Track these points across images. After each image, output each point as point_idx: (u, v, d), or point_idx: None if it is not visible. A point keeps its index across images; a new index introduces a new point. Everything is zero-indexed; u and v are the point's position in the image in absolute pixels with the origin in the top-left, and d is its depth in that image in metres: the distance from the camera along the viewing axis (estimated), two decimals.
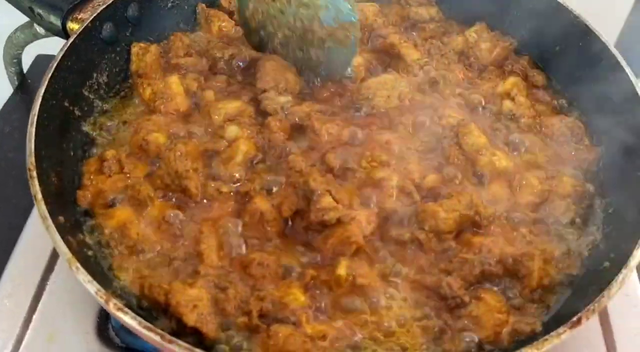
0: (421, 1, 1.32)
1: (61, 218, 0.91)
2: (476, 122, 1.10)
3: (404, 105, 1.13)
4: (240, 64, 1.19)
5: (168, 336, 0.74)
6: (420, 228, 0.96)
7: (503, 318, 0.86)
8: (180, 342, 0.73)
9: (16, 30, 1.39)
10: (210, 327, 0.84)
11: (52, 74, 1.03)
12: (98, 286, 0.78)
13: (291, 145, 1.05)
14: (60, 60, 1.05)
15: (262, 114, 1.11)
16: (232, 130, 1.07)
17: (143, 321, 0.75)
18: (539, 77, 1.21)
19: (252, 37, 1.18)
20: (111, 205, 0.98)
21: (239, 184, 1.01)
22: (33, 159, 0.91)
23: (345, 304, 0.89)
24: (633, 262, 0.81)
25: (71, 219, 0.95)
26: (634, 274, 1.07)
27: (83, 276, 0.79)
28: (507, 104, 1.14)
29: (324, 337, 0.85)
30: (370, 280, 0.90)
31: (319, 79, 1.16)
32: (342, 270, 0.89)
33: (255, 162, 1.04)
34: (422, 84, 1.16)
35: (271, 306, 0.87)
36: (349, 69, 1.15)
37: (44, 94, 0.99)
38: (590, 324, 0.96)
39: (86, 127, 1.10)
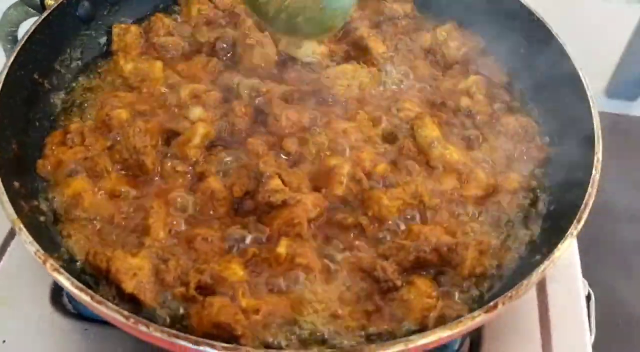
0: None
1: (16, 183, 0.94)
2: (433, 117, 1.12)
3: (364, 96, 1.15)
4: (224, 45, 1.21)
5: (97, 297, 0.76)
6: (364, 214, 0.99)
7: (432, 303, 0.88)
8: (108, 303, 0.76)
9: (9, 7, 1.41)
10: (148, 296, 0.87)
11: (22, 46, 1.06)
12: (37, 247, 0.81)
13: (252, 130, 1.08)
14: (31, 33, 1.09)
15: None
16: (195, 111, 1.09)
17: (75, 281, 0.78)
18: (501, 77, 1.23)
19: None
20: (69, 175, 1.01)
21: (195, 164, 1.03)
22: None
23: (283, 282, 0.91)
24: (557, 254, 0.83)
25: (28, 186, 0.98)
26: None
27: (25, 237, 0.82)
28: (465, 100, 1.15)
29: (257, 311, 0.87)
30: (309, 260, 0.92)
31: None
32: (282, 248, 0.91)
33: (214, 144, 1.06)
34: (384, 76, 1.18)
35: (209, 278, 0.89)
36: (310, 57, 1.16)
37: (11, 65, 1.03)
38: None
39: (55, 100, 1.13)
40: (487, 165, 1.08)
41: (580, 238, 0.95)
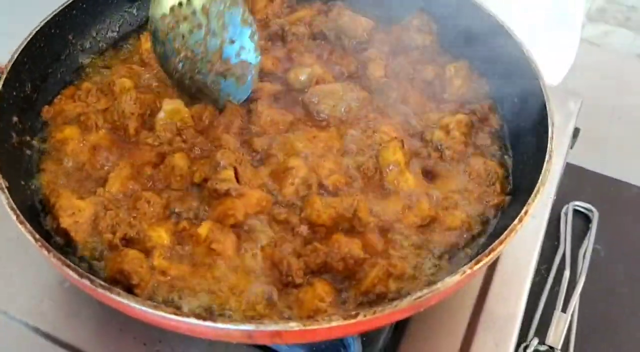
0: (421, 27, 1.35)
1: (15, 118, 1.08)
2: (401, 142, 1.13)
3: (348, 117, 1.18)
4: None
5: (21, 217, 0.87)
6: (297, 214, 1.02)
7: (322, 307, 0.90)
8: (27, 225, 0.86)
9: None
10: (79, 235, 0.97)
11: (62, 9, 1.21)
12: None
13: (231, 124, 1.15)
14: (75, 1, 1.23)
15: None
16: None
17: (11, 200, 0.89)
18: (492, 122, 1.21)
19: (156, 47, 1.13)
20: (64, 123, 1.14)
21: (164, 142, 1.11)
22: (10, 63, 1.09)
23: (197, 259, 0.96)
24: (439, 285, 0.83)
25: (27, 123, 1.11)
26: None
27: None
28: (438, 134, 1.15)
29: (164, 273, 0.94)
30: (225, 248, 0.96)
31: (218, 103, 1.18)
32: (203, 230, 0.97)
33: (190, 128, 1.13)
34: (374, 100, 1.21)
35: (136, 234, 0.98)
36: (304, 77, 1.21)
37: (46, 23, 1.17)
38: None
39: (83, 61, 1.27)
40: (437, 198, 1.08)
41: None
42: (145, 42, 1.26)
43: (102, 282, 0.81)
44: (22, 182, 1.03)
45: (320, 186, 1.07)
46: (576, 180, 1.63)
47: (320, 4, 1.41)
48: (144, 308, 0.79)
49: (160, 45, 1.12)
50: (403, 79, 1.25)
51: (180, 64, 1.13)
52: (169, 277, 0.94)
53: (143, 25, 1.34)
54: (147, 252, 0.95)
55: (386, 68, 1.26)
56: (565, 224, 1.53)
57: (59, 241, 0.97)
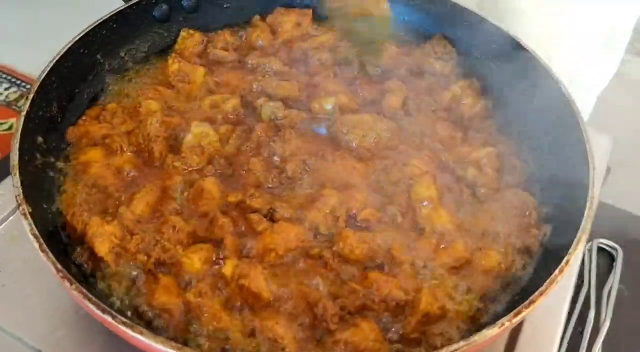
0: (442, 56, 1.30)
1: (40, 138, 1.03)
2: (434, 177, 1.08)
3: (378, 148, 1.12)
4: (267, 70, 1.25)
5: (44, 246, 0.81)
6: (329, 247, 0.97)
7: (376, 346, 0.85)
8: (50, 254, 0.80)
9: None
10: (114, 261, 0.92)
11: (92, 28, 1.16)
12: (20, 191, 0.87)
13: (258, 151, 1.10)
14: (106, 19, 1.19)
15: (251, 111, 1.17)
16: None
17: (34, 227, 0.83)
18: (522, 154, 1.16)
19: None
20: (89, 144, 1.08)
21: (191, 168, 1.05)
22: (38, 83, 1.04)
23: (228, 300, 0.90)
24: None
25: (52, 144, 1.05)
26: None
27: (16, 180, 0.89)
28: (472, 171, 1.09)
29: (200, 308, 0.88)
30: (257, 285, 0.90)
31: None
32: (227, 269, 0.91)
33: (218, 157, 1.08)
34: (401, 130, 1.16)
35: (168, 259, 0.92)
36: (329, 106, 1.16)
37: (76, 42, 1.12)
38: None
39: (109, 81, 1.21)
40: (471, 236, 1.01)
41: None
42: (172, 64, 1.21)
43: (124, 319, 0.75)
44: (44, 205, 0.97)
45: (351, 218, 1.01)
46: (600, 216, 1.56)
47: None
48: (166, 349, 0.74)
49: None
50: (425, 110, 1.19)
51: None
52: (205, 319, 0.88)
53: (171, 46, 1.28)
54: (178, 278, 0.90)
55: (405, 99, 1.20)
56: (590, 262, 1.46)
57: (76, 269, 0.91)
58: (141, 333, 0.73)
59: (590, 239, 1.49)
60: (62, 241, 0.95)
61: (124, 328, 0.74)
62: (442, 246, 0.99)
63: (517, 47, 1.20)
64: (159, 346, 0.73)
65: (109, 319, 0.75)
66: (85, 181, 1.03)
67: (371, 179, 1.07)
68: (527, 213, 1.05)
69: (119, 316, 0.75)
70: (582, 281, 1.44)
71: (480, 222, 1.04)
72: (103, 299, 0.86)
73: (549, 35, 1.54)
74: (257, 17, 1.36)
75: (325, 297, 0.90)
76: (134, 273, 0.91)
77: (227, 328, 0.87)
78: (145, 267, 0.91)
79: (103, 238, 0.92)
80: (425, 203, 1.03)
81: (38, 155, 1.01)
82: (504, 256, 0.99)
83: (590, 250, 1.49)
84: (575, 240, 0.88)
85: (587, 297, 1.39)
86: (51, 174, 1.03)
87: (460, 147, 1.15)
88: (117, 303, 0.89)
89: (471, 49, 1.30)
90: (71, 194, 1.01)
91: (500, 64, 1.25)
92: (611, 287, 1.40)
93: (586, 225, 0.90)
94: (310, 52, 1.27)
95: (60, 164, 1.05)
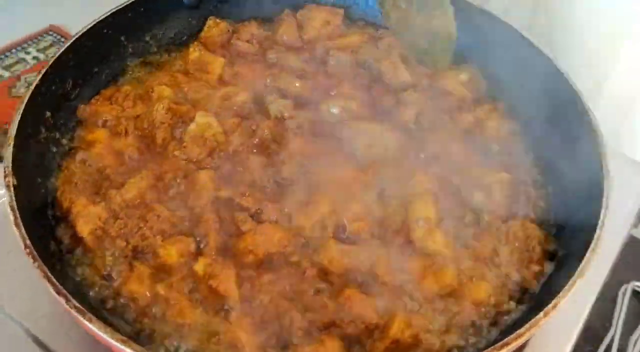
0: (469, 83, 1.22)
1: (48, 113, 1.04)
2: (437, 197, 1.01)
3: (384, 159, 1.07)
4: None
5: (17, 215, 0.82)
6: (309, 257, 0.93)
7: None
8: (19, 222, 0.81)
9: None
10: (94, 243, 0.92)
11: (117, 11, 1.17)
12: (9, 163, 0.88)
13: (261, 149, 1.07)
14: (133, 3, 1.19)
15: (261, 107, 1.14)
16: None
17: (13, 199, 0.84)
18: (538, 183, 1.07)
19: None
20: (96, 125, 1.09)
21: (190, 159, 1.04)
22: (53, 59, 1.05)
23: (196, 296, 0.88)
24: None
25: (59, 120, 1.07)
26: None
27: (8, 152, 0.90)
28: (479, 195, 1.02)
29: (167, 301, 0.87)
30: (226, 287, 0.88)
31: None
32: (199, 267, 0.89)
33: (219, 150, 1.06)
34: (413, 147, 1.09)
35: (146, 248, 0.92)
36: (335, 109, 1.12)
37: (99, 23, 1.13)
38: None
39: (131, 63, 1.22)
40: (466, 264, 0.94)
41: None
42: (193, 52, 1.20)
43: (77, 304, 0.74)
44: (39, 180, 0.98)
45: (341, 229, 0.97)
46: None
47: (373, 31, 1.30)
48: None
49: None
50: (441, 127, 1.12)
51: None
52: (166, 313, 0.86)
53: (196, 34, 1.27)
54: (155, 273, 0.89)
55: (420, 113, 1.13)
56: (621, 306, 1.36)
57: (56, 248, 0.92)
58: (90, 321, 0.72)
59: (626, 281, 1.40)
60: (48, 217, 0.95)
61: (75, 313, 0.73)
62: (432, 270, 0.93)
63: (554, 71, 1.11)
64: (105, 336, 0.71)
65: (62, 301, 0.74)
66: (85, 160, 1.03)
67: (370, 190, 1.02)
68: (531, 247, 0.97)
69: (73, 300, 0.74)
70: (610, 325, 1.35)
71: (479, 250, 0.97)
72: (72, 281, 0.86)
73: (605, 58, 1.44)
74: (287, 10, 1.33)
75: (295, 309, 0.86)
76: (111, 258, 0.90)
77: (190, 327, 0.85)
78: (123, 253, 0.90)
79: (87, 219, 0.92)
80: (421, 222, 0.97)
81: (43, 130, 1.03)
82: (496, 290, 0.92)
83: (624, 293, 1.39)
84: (569, 284, 0.80)
85: (611, 344, 1.30)
86: (54, 149, 1.05)
87: (473, 169, 1.08)
88: (91, 288, 0.89)
89: (502, 71, 1.21)
90: (69, 171, 1.02)
91: (534, 90, 1.15)
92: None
93: (584, 270, 0.81)
94: (332, 52, 1.22)
95: (64, 141, 1.07)
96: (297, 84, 1.15)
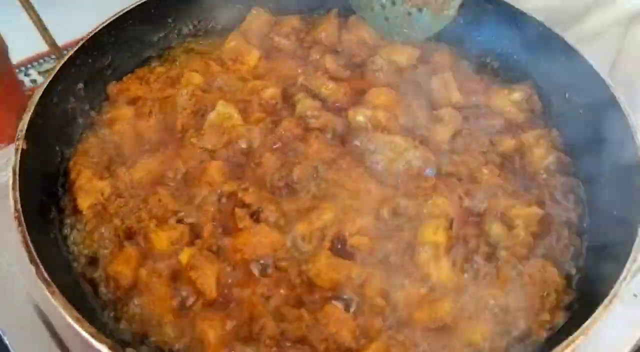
0: (522, 104, 1.13)
1: (81, 84, 1.07)
2: (453, 223, 0.94)
3: (404, 175, 1.00)
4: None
5: (17, 178, 0.84)
6: (298, 265, 0.88)
7: None
8: (17, 186, 0.83)
9: None
10: (92, 216, 0.93)
11: None
12: (24, 127, 0.91)
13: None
14: None
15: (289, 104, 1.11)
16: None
17: (18, 163, 0.86)
18: (574, 224, 0.97)
19: None
20: (124, 102, 1.10)
21: (205, 147, 1.02)
22: (91, 34, 1.08)
23: (175, 288, 0.87)
24: None
25: (91, 93, 1.09)
26: None
27: (26, 116, 0.92)
28: (497, 228, 0.93)
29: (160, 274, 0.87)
30: (206, 281, 0.86)
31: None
32: (183, 257, 0.88)
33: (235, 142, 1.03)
34: (438, 164, 1.01)
35: (141, 231, 0.91)
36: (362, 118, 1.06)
37: (150, 2, 1.15)
38: None
39: (174, 44, 1.23)
40: (467, 301, 0.86)
41: None
42: (230, 41, 1.18)
43: (46, 275, 0.75)
44: (57, 148, 1.01)
45: (340, 241, 0.92)
46: None
47: (424, 44, 1.20)
48: None
49: None
50: (475, 150, 1.03)
51: None
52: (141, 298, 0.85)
53: (240, 24, 1.25)
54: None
55: (456, 133, 1.06)
56: None
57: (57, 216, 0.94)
58: (52, 293, 0.72)
59: None
60: (57, 186, 0.97)
61: (40, 283, 0.73)
62: (428, 299, 0.86)
63: (624, 125, 0.99)
64: (63, 312, 0.71)
65: (33, 269, 0.75)
66: (106, 135, 1.05)
67: (382, 206, 0.96)
68: (545, 294, 0.87)
69: (43, 270, 0.75)
70: None
71: (486, 288, 0.88)
72: (59, 251, 0.87)
73: None
74: (335, 10, 1.28)
75: (270, 315, 0.82)
76: (103, 235, 0.91)
77: (162, 315, 0.83)
78: (116, 232, 0.90)
79: (89, 192, 0.94)
80: (427, 247, 0.90)
81: (72, 100, 1.06)
82: (494, 335, 0.83)
83: None
84: (565, 342, 0.70)
85: None
86: (80, 120, 1.07)
87: (503, 198, 0.98)
88: (77, 261, 0.90)
89: (564, 98, 1.11)
90: (88, 144, 1.04)
91: (597, 132, 1.03)
92: None
93: (588, 328, 0.71)
94: (374, 59, 1.16)
95: (93, 114, 1.09)
96: (329, 86, 1.11)
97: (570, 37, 1.17)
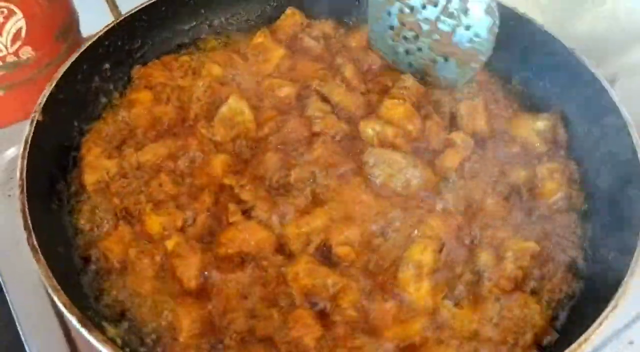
0: (546, 133, 1.10)
1: (107, 65, 1.13)
2: (444, 246, 0.93)
3: (403, 192, 1.00)
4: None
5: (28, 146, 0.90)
6: (279, 266, 0.90)
7: None
8: (25, 155, 0.89)
9: None
10: (95, 192, 0.99)
11: None
12: (43, 101, 0.97)
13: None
14: None
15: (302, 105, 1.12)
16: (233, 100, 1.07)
17: (31, 134, 0.92)
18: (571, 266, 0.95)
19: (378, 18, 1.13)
20: (145, 86, 1.15)
21: (213, 139, 1.06)
22: (122, 17, 1.13)
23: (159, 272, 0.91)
24: None
25: (117, 74, 1.15)
26: None
27: (47, 89, 0.99)
28: (485, 258, 0.92)
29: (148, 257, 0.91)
30: (186, 271, 0.89)
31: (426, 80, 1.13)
32: (170, 244, 0.91)
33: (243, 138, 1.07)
34: (439, 187, 1.01)
35: (136, 213, 0.96)
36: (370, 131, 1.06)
37: None
38: None
39: (204, 35, 1.27)
40: (441, 325, 0.86)
41: None
42: (258, 37, 1.21)
43: (35, 243, 0.80)
44: (75, 123, 1.07)
45: (326, 248, 0.93)
46: None
47: None
48: None
49: (377, 10, 1.11)
50: (482, 177, 1.02)
51: (403, 38, 1.11)
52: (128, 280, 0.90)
53: (273, 21, 1.28)
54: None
55: (465, 160, 1.04)
56: None
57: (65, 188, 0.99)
58: (38, 261, 0.77)
59: None
60: (69, 159, 1.03)
61: (30, 250, 0.78)
62: (400, 318, 0.87)
63: None
64: (44, 280, 0.75)
65: (25, 235, 0.79)
66: (124, 116, 1.10)
67: (375, 220, 0.97)
68: (522, 331, 0.86)
69: (33, 238, 0.79)
70: None
71: (462, 316, 0.88)
72: (57, 222, 0.93)
73: None
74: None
75: (242, 312, 0.85)
76: (101, 212, 0.95)
77: (142, 297, 0.87)
78: (113, 211, 0.95)
79: (95, 170, 0.99)
80: (411, 266, 0.90)
81: (97, 79, 1.11)
82: None
83: None
84: None
85: None
86: (103, 99, 1.13)
87: (502, 230, 0.97)
88: (73, 235, 0.95)
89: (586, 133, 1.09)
90: (105, 123, 1.10)
91: (615, 177, 1.01)
92: None
93: None
94: (405, 77, 1.15)
95: (115, 94, 1.15)
96: (343, 94, 1.11)
97: (611, 67, 1.14)
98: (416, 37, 1.10)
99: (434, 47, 1.09)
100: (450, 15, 1.04)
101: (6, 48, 1.21)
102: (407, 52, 1.14)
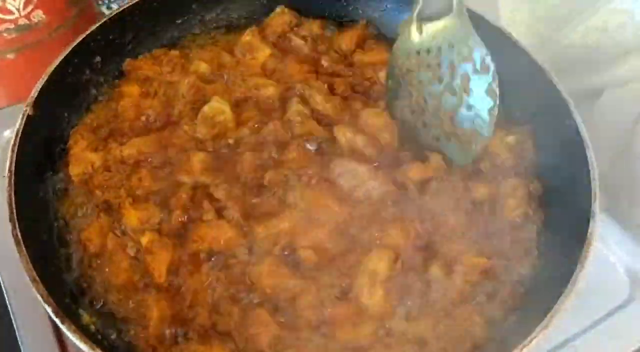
0: (512, 145, 1.15)
1: (98, 58, 1.19)
2: (398, 257, 1.01)
3: (366, 200, 1.05)
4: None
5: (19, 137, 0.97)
6: (244, 265, 0.98)
7: None
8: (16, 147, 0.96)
9: None
10: (80, 184, 1.06)
11: None
12: (35, 94, 1.04)
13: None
14: None
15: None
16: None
17: (21, 126, 0.99)
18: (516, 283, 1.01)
19: (390, 81, 1.13)
20: (134, 79, 1.21)
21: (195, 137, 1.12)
22: (114, 12, 1.18)
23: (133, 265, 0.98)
24: None
25: (108, 67, 1.21)
26: None
27: (39, 83, 1.05)
28: (435, 272, 0.98)
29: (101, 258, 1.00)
30: (157, 267, 0.97)
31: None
32: (144, 239, 0.98)
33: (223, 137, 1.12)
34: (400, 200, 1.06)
35: (116, 207, 1.03)
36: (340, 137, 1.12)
37: None
38: None
39: (196, 30, 1.32)
40: (391, 330, 0.94)
41: None
42: (246, 36, 1.26)
43: (18, 232, 0.88)
44: (66, 114, 1.13)
45: (291, 250, 1.01)
46: None
47: None
48: None
49: (395, 82, 1.11)
50: (446, 193, 1.07)
51: (407, 108, 1.11)
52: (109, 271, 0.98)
53: (264, 19, 1.33)
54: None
55: (430, 178, 1.08)
56: None
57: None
58: (20, 252, 0.85)
59: None
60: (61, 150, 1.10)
61: (13, 241, 0.86)
62: (353, 321, 0.94)
63: None
64: (26, 272, 0.83)
65: (10, 226, 0.87)
66: (112, 109, 1.16)
67: (339, 226, 1.03)
68: (463, 341, 0.93)
69: (17, 227, 0.87)
70: None
71: (410, 323, 0.95)
72: (43, 211, 1.00)
73: None
74: (363, 21, 1.33)
75: (207, 307, 0.93)
76: (83, 204, 1.03)
77: (117, 287, 0.95)
78: (95, 203, 1.02)
79: (80, 162, 1.06)
80: (366, 274, 0.98)
81: (88, 71, 1.17)
82: None
83: None
84: None
85: None
86: (93, 92, 1.19)
87: (458, 243, 1.03)
88: (58, 224, 1.03)
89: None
90: (94, 115, 1.16)
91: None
92: None
93: None
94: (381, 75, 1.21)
95: (105, 87, 1.21)
96: (323, 98, 1.17)
97: (600, 77, 1.14)
98: (422, 111, 1.10)
99: (436, 125, 1.10)
100: (452, 93, 1.05)
101: (18, 11, 1.26)
102: (414, 127, 1.12)
